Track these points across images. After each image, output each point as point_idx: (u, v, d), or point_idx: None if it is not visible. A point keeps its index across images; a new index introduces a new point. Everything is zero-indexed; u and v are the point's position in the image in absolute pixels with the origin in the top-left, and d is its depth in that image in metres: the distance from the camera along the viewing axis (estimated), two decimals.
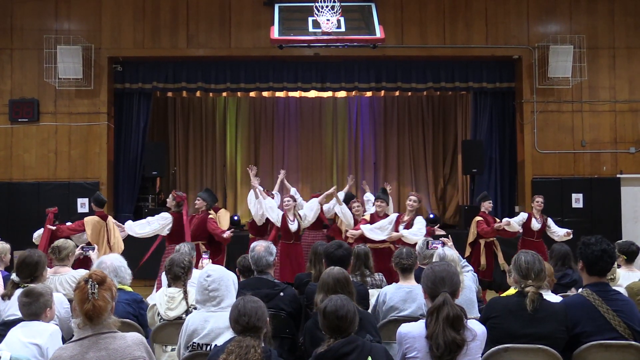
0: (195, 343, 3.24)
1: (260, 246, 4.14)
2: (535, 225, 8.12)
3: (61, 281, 4.69)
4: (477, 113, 10.82)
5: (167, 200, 7.31)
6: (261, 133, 12.91)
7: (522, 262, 3.36)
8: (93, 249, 5.72)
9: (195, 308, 3.54)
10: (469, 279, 4.26)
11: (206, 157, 12.86)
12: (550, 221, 8.22)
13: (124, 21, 10.00)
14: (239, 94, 11.71)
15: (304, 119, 12.91)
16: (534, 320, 3.19)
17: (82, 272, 4.41)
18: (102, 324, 2.54)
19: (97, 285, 2.55)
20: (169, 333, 3.75)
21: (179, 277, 4.00)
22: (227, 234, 6.95)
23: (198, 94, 11.20)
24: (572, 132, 10.17)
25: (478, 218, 8.10)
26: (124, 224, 7.23)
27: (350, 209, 8.00)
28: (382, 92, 11.72)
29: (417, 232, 6.78)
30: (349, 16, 8.12)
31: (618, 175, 10.10)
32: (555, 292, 4.26)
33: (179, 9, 10.04)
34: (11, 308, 3.76)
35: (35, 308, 3.33)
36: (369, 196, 8.91)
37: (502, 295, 3.70)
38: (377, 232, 6.96)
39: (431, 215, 11.99)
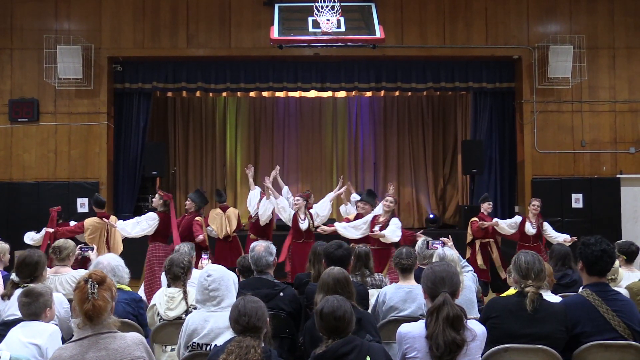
0: (195, 343, 3.24)
1: (260, 246, 4.14)
2: (530, 229, 7.87)
3: (61, 281, 4.69)
4: (477, 113, 10.83)
5: (154, 200, 7.32)
6: (261, 133, 12.92)
7: (522, 262, 3.36)
8: (92, 249, 5.72)
9: (195, 308, 3.54)
10: (468, 279, 4.26)
11: (206, 157, 12.87)
12: (546, 225, 7.95)
13: (123, 21, 10.00)
14: (239, 94, 11.71)
15: (304, 119, 12.91)
16: (533, 320, 3.19)
17: (82, 272, 4.40)
18: (102, 324, 2.54)
19: (97, 285, 2.55)
20: (169, 333, 3.75)
21: (178, 277, 4.00)
22: (199, 238, 6.96)
23: (198, 94, 11.21)
24: (572, 132, 10.17)
25: (473, 218, 8.14)
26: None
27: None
28: (382, 92, 11.72)
29: (392, 233, 6.66)
30: (348, 16, 8.12)
31: (618, 176, 10.10)
32: (555, 292, 4.26)
33: (179, 9, 10.04)
34: (11, 308, 3.76)
35: (35, 308, 3.33)
36: (355, 196, 8.90)
37: (502, 295, 3.69)
38: (352, 230, 6.95)
39: (431, 216, 12.00)
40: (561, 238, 7.64)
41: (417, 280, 3.97)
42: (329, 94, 11.78)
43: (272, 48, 9.02)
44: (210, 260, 5.51)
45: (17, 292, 3.70)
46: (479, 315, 3.58)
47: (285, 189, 8.65)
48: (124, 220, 7.45)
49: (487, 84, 10.51)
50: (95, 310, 2.50)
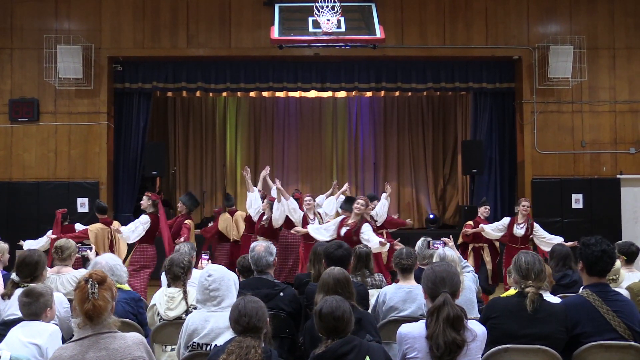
0: (195, 343, 3.24)
1: (260, 246, 4.14)
2: (517, 231, 7.54)
3: (62, 281, 4.69)
4: (477, 113, 10.82)
5: (142, 202, 7.37)
6: (261, 133, 12.92)
7: (522, 263, 3.36)
8: (90, 248, 5.74)
9: (195, 308, 3.54)
10: (469, 280, 4.26)
11: (206, 157, 12.87)
12: (537, 227, 7.58)
13: (124, 21, 10.00)
14: (239, 94, 11.71)
15: (304, 119, 12.92)
16: (534, 320, 3.19)
17: (83, 272, 4.41)
18: (102, 323, 2.53)
19: (97, 285, 2.54)
20: (169, 333, 3.76)
21: (178, 277, 4.00)
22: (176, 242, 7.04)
23: (198, 94, 11.20)
24: (572, 132, 10.17)
25: (468, 222, 8.10)
26: (122, 225, 7.37)
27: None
28: (382, 92, 11.73)
29: (370, 239, 6.50)
30: (349, 16, 8.13)
31: (618, 176, 10.10)
32: (555, 292, 4.26)
33: (179, 9, 10.04)
34: (11, 308, 3.76)
35: (35, 308, 3.33)
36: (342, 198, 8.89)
37: (502, 295, 3.70)
38: (323, 232, 6.93)
39: (431, 216, 12.00)
40: (556, 240, 7.22)
41: (417, 280, 3.97)
42: (329, 94, 11.78)
43: (272, 48, 9.02)
44: (210, 261, 5.51)
45: (18, 291, 3.70)
46: (479, 316, 3.58)
47: (274, 188, 8.65)
48: (123, 222, 7.54)
49: (487, 84, 10.50)
50: (95, 310, 2.50)
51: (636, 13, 10.20)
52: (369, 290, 4.42)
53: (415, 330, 2.87)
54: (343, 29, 7.93)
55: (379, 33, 8.14)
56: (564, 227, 9.56)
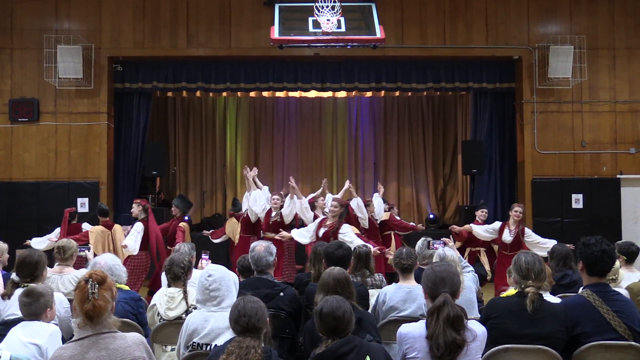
0: (195, 343, 3.24)
1: (260, 246, 4.14)
2: (506, 237, 7.30)
3: (64, 281, 4.70)
4: (477, 113, 10.82)
5: (133, 210, 7.42)
6: (261, 133, 12.92)
7: (523, 263, 3.36)
8: (88, 249, 5.75)
9: (195, 308, 3.54)
10: (469, 280, 4.26)
11: (206, 157, 12.87)
12: (528, 232, 7.31)
13: (124, 21, 10.00)
14: (239, 94, 11.71)
15: (304, 119, 12.92)
16: (534, 320, 3.19)
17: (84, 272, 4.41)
18: (102, 323, 2.53)
19: (97, 285, 2.54)
20: (169, 333, 3.76)
21: (178, 277, 4.00)
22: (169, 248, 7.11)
23: (198, 94, 11.20)
24: (572, 132, 10.16)
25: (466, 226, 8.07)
26: (123, 225, 7.43)
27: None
28: (382, 92, 11.72)
29: (353, 241, 6.44)
30: (349, 16, 8.13)
31: (618, 176, 10.10)
32: (555, 292, 4.26)
33: (179, 9, 10.04)
34: (11, 308, 3.76)
35: (35, 308, 3.33)
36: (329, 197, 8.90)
37: (502, 295, 3.69)
38: (305, 234, 6.95)
39: (431, 216, 12.00)
40: (550, 243, 6.95)
41: (417, 280, 3.97)
42: (329, 94, 11.79)
43: (272, 48, 9.01)
44: (210, 261, 5.50)
45: (18, 291, 3.70)
46: (479, 316, 3.58)
47: (265, 188, 8.62)
48: (123, 222, 7.57)
49: (487, 84, 10.50)
50: (95, 310, 2.50)
51: (636, 13, 10.20)
52: (369, 290, 4.42)
53: (415, 330, 2.87)
54: (343, 29, 7.93)
55: (379, 33, 8.14)
56: (564, 227, 9.57)
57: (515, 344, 3.14)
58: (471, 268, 4.60)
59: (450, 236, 7.54)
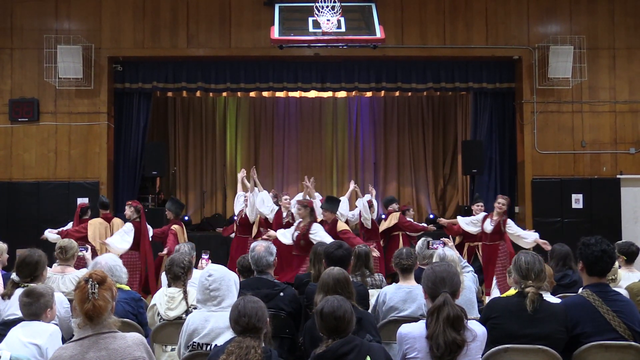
0: (195, 343, 3.24)
1: (260, 246, 4.14)
2: (487, 226, 7.38)
3: (64, 281, 4.70)
4: (477, 113, 10.81)
5: (125, 211, 7.46)
6: (261, 133, 12.92)
7: (522, 263, 3.36)
8: (86, 249, 5.75)
9: (195, 308, 3.54)
10: (469, 280, 4.26)
11: (206, 157, 12.87)
12: (510, 223, 7.32)
13: (124, 21, 9.99)
14: (239, 94, 11.71)
15: (304, 119, 12.92)
16: (534, 320, 3.19)
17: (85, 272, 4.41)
18: (102, 323, 2.54)
19: (97, 285, 2.54)
20: (169, 333, 3.76)
21: (178, 277, 4.00)
22: (163, 252, 7.13)
23: (198, 94, 11.20)
24: (572, 132, 10.16)
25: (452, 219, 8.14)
26: (123, 223, 7.45)
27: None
28: (382, 93, 11.73)
29: (324, 239, 6.40)
30: (349, 16, 8.12)
31: (618, 176, 10.09)
32: (555, 293, 4.26)
33: (179, 9, 10.03)
34: (11, 308, 3.76)
35: (35, 308, 3.33)
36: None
37: (502, 295, 3.70)
38: (287, 235, 6.95)
39: (431, 216, 12.00)
40: (531, 239, 7.10)
41: (417, 280, 3.97)
42: (329, 94, 11.78)
43: (272, 48, 9.01)
44: (210, 261, 5.51)
45: (18, 291, 3.70)
46: (479, 316, 3.58)
47: (256, 189, 8.66)
48: (122, 221, 7.61)
49: (487, 84, 10.49)
50: (95, 310, 2.50)
51: (636, 13, 10.19)
52: (369, 290, 4.42)
53: (415, 330, 2.88)
54: (343, 29, 7.92)
55: (379, 33, 8.13)
56: (564, 227, 9.57)
57: (515, 344, 3.14)
58: (471, 268, 4.61)
59: (450, 236, 7.57)
